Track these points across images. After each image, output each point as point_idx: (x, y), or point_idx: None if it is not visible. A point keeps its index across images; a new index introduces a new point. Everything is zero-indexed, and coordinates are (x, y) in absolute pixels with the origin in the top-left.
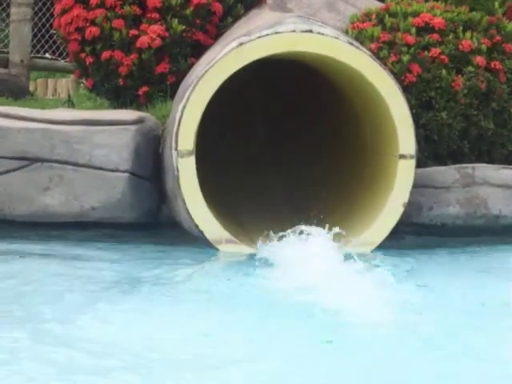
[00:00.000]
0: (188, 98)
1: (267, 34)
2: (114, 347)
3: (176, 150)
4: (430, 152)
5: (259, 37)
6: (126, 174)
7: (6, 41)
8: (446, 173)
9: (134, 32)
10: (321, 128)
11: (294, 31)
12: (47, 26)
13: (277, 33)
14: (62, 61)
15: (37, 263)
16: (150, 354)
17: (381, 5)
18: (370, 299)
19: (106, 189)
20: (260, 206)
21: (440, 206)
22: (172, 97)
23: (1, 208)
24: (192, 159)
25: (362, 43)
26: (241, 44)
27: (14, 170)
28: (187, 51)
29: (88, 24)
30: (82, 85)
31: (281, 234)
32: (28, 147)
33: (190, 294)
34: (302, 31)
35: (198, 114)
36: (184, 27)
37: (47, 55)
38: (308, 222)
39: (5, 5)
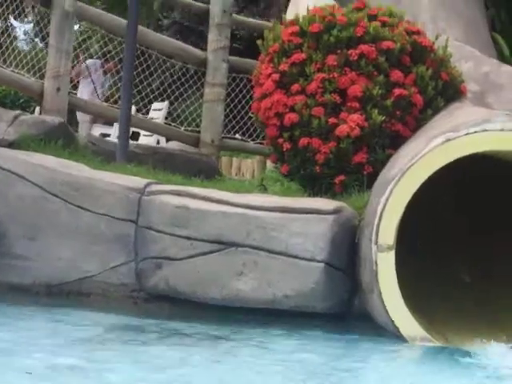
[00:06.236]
0: (391, 192)
1: (475, 132)
2: None
3: (376, 243)
4: None
5: (467, 133)
6: (322, 264)
7: (198, 120)
8: None
9: (333, 120)
10: None
11: (502, 130)
12: (239, 107)
13: (485, 130)
14: (252, 142)
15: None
16: None
17: None
18: None
19: (301, 277)
20: (453, 301)
21: None
22: (368, 187)
23: (194, 291)
24: (392, 254)
25: None
26: (447, 140)
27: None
28: (385, 142)
29: (287, 110)
30: (267, 166)
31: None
32: (224, 231)
33: None
34: (511, 130)
35: (400, 208)
36: (384, 118)
37: (237, 136)
38: (503, 326)
39: (199, 84)
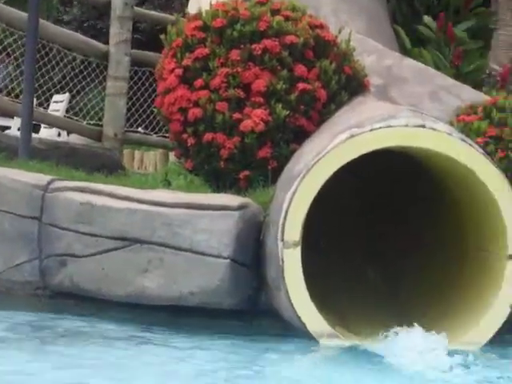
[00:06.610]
0: (297, 188)
1: (380, 127)
2: None
3: (282, 240)
4: None
5: (371, 129)
6: (227, 261)
7: (100, 114)
8: None
9: (237, 115)
10: (419, 221)
11: (406, 125)
12: (141, 100)
13: (390, 126)
14: (155, 135)
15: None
16: None
17: (485, 97)
18: None
19: (206, 274)
20: (358, 296)
21: None
22: (273, 182)
23: (98, 288)
24: (298, 250)
25: (467, 136)
26: (352, 136)
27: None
28: (289, 137)
29: (191, 105)
30: (170, 159)
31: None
32: (129, 228)
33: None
34: (415, 126)
35: (306, 204)
36: (288, 112)
37: (140, 129)
38: (408, 317)
39: (101, 78)
